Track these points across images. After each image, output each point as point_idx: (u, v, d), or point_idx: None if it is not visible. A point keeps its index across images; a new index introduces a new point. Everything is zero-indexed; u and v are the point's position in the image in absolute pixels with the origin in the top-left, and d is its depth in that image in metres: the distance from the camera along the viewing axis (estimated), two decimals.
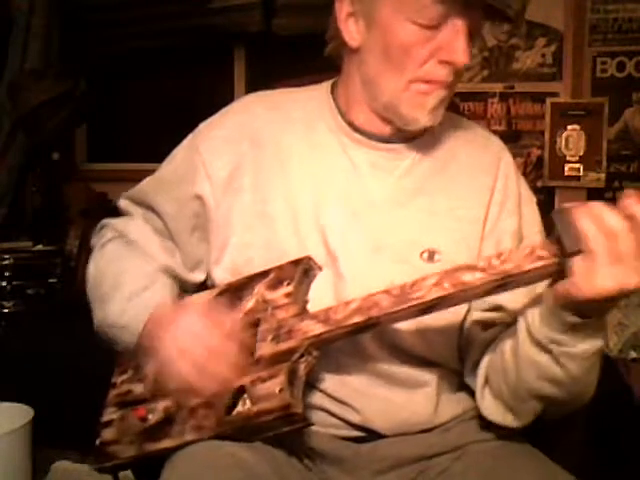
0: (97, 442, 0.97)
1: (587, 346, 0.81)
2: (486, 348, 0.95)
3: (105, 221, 1.11)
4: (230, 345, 0.87)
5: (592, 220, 0.73)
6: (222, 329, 0.89)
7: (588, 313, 0.78)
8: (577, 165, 2.56)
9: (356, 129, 0.99)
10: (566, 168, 2.58)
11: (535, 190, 2.95)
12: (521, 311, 0.89)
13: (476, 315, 0.95)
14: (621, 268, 0.73)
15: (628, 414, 1.49)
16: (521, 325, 0.86)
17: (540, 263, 0.77)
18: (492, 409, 0.93)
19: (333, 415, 0.94)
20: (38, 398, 1.94)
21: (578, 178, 2.57)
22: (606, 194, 2.56)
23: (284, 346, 0.86)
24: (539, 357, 0.83)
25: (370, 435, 0.94)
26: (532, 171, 2.63)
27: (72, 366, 2.01)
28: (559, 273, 0.77)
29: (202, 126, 1.06)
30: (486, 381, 0.94)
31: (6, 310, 2.55)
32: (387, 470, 0.93)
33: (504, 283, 0.79)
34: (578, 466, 0.91)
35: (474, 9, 0.88)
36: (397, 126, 0.96)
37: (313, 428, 0.92)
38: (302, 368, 0.85)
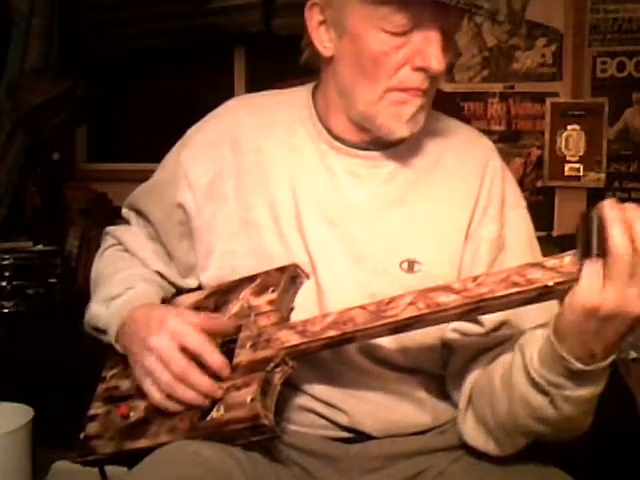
0: (81, 435, 0.98)
1: (588, 391, 0.76)
2: (469, 363, 0.92)
3: (108, 229, 1.15)
4: (196, 370, 0.87)
5: (625, 226, 0.68)
6: (189, 351, 0.88)
7: (594, 347, 0.72)
8: (577, 165, 2.57)
9: (335, 136, 0.98)
10: (566, 168, 2.58)
11: (535, 190, 2.94)
12: (499, 331, 0.88)
13: (454, 324, 0.92)
14: (637, 288, 0.68)
15: (632, 423, 1.48)
16: (517, 361, 0.82)
17: (514, 289, 0.75)
18: (474, 434, 0.91)
19: (322, 416, 0.93)
20: (38, 398, 1.94)
21: (578, 178, 2.57)
22: (606, 194, 2.56)
23: (261, 355, 0.86)
24: (534, 397, 0.80)
25: (359, 436, 0.94)
26: (532, 171, 2.63)
27: (72, 366, 2.01)
28: (536, 299, 0.75)
29: (189, 131, 1.07)
30: (469, 403, 0.92)
31: (6, 310, 2.55)
32: (379, 468, 0.93)
33: (478, 307, 0.78)
34: (577, 469, 0.91)
35: (445, 13, 0.85)
36: (375, 135, 0.95)
37: (302, 429, 0.93)
38: (277, 378, 0.85)
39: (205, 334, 0.89)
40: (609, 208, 0.70)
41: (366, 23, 0.87)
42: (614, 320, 0.70)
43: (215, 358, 0.87)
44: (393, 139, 0.94)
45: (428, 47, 0.86)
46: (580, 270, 0.71)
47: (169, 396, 0.88)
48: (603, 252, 0.69)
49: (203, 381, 0.86)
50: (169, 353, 0.87)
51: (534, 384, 0.79)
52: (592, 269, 0.70)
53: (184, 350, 0.88)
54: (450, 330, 0.92)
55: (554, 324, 0.76)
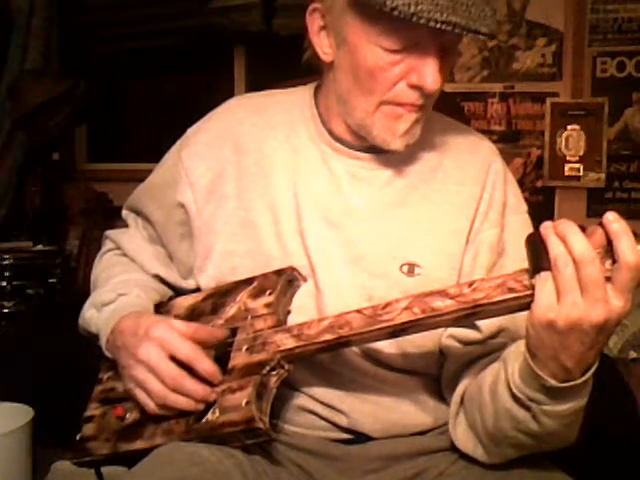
0: (77, 437, 0.98)
1: (568, 406, 0.76)
2: (462, 369, 0.92)
3: (107, 232, 1.14)
4: (187, 378, 0.87)
5: (560, 240, 0.69)
6: (178, 359, 0.88)
7: (565, 362, 0.73)
8: (577, 165, 2.57)
9: (336, 138, 0.97)
10: (566, 168, 2.58)
11: (535, 190, 2.93)
12: (496, 338, 0.88)
13: (451, 330, 0.92)
14: (586, 298, 0.68)
15: (632, 423, 1.48)
16: (501, 374, 0.83)
17: (510, 295, 0.74)
18: (464, 439, 0.91)
19: (321, 417, 0.93)
20: (38, 398, 1.94)
21: (578, 178, 2.57)
22: (606, 194, 2.56)
23: (256, 358, 0.86)
24: (517, 411, 0.80)
25: (359, 437, 0.93)
26: (532, 171, 2.63)
27: (72, 366, 2.01)
28: (530, 305, 0.75)
29: (189, 131, 1.06)
30: (460, 408, 0.92)
31: (6, 310, 2.56)
32: (379, 469, 0.93)
33: (473, 312, 0.77)
34: (577, 469, 0.91)
35: (443, 32, 0.82)
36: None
37: (301, 430, 0.93)
38: (273, 381, 0.85)
39: (193, 341, 0.89)
40: (543, 226, 0.71)
41: (362, 37, 0.87)
42: (574, 331, 0.70)
43: (206, 366, 0.87)
44: (389, 150, 0.93)
45: (424, 66, 0.86)
46: (534, 288, 0.72)
47: (163, 405, 0.88)
48: (549, 267, 0.70)
49: (196, 388, 0.86)
50: (158, 363, 0.87)
51: (516, 399, 0.79)
52: (543, 285, 0.71)
53: (173, 358, 0.88)
54: (446, 336, 0.92)
55: (525, 342, 0.76)
